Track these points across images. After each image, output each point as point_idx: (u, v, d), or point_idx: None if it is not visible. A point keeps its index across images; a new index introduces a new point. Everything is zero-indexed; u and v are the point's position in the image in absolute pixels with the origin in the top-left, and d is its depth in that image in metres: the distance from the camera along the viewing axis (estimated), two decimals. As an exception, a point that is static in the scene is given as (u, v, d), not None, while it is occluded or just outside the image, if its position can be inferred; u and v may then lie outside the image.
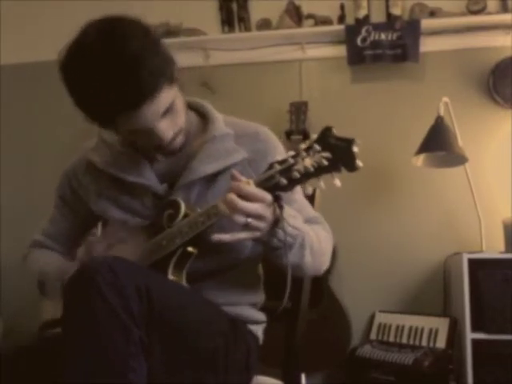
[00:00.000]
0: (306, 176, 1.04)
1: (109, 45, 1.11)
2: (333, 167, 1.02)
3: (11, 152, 3.24)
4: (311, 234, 1.24)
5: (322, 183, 1.05)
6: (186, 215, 1.23)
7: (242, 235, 1.11)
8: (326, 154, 1.02)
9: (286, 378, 1.45)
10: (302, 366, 2.22)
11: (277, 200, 1.11)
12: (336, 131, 1.04)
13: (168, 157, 1.32)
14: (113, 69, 1.10)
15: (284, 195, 1.15)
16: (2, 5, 3.27)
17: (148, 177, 1.31)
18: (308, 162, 1.03)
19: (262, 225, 1.10)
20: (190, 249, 1.23)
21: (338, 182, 1.03)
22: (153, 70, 1.12)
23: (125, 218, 1.33)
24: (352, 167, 1.01)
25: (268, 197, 1.09)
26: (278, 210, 1.12)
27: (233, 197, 1.07)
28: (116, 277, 1.02)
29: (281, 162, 1.07)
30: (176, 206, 1.24)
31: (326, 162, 1.01)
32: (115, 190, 1.34)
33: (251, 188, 1.08)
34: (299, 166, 1.04)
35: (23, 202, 3.15)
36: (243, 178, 1.11)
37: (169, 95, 1.18)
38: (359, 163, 1.01)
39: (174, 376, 1.11)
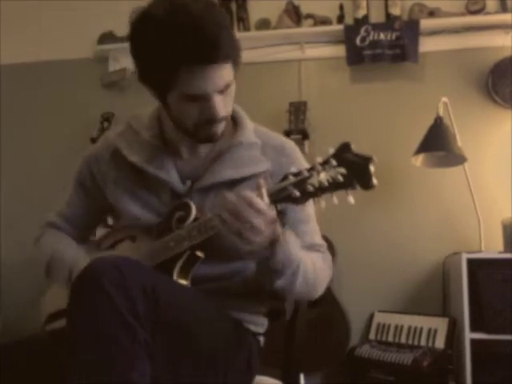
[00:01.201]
0: (320, 190, 1.03)
1: (202, 4, 1.15)
2: (348, 184, 1.00)
3: (11, 152, 3.24)
4: (308, 262, 1.23)
5: (335, 199, 1.03)
6: (196, 218, 1.22)
7: (240, 241, 1.10)
8: (342, 170, 1.00)
9: (285, 378, 1.45)
10: (301, 365, 2.23)
11: (280, 217, 1.09)
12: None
13: (193, 155, 1.32)
14: (201, 21, 1.12)
15: (299, 216, 1.13)
16: (1, 5, 3.27)
17: (169, 172, 1.30)
18: (323, 177, 1.02)
19: (258, 239, 1.09)
20: (197, 253, 1.23)
21: (351, 200, 1.02)
22: (231, 40, 1.17)
23: (139, 212, 1.32)
24: (367, 186, 1.00)
25: (272, 214, 1.08)
26: (279, 230, 1.11)
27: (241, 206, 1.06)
28: (122, 278, 1.02)
29: (295, 174, 1.06)
30: (187, 209, 1.24)
31: (341, 178, 1.00)
32: (134, 182, 1.34)
33: (258, 201, 1.07)
34: (314, 180, 1.03)
35: (23, 202, 3.15)
36: (264, 191, 1.09)
37: (231, 74, 1.20)
38: (375, 182, 0.99)
39: (176, 376, 1.12)
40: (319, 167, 1.03)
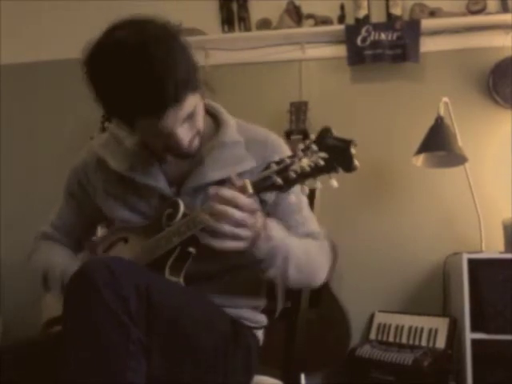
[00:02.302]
0: (303, 176, 1.03)
1: (139, 49, 1.10)
2: (329, 167, 1.01)
3: (11, 152, 3.24)
4: (300, 249, 1.23)
5: (318, 183, 1.04)
6: (185, 215, 1.22)
7: (228, 244, 1.11)
8: (323, 155, 1.01)
9: (286, 378, 1.44)
10: (301, 365, 2.23)
11: (262, 206, 1.10)
12: (335, 131, 1.04)
13: (178, 158, 1.31)
14: (141, 74, 1.09)
15: (289, 206, 1.16)
16: (1, 5, 3.27)
17: (157, 178, 1.30)
18: (305, 162, 1.02)
19: (245, 233, 1.10)
20: (188, 249, 1.22)
21: (334, 183, 1.03)
22: (179, 80, 1.11)
23: (131, 218, 1.33)
24: (349, 168, 1.01)
25: (255, 206, 1.09)
26: (261, 222, 1.12)
27: (218, 206, 1.07)
28: (115, 277, 1.02)
29: (278, 162, 1.07)
30: (175, 206, 1.24)
31: (322, 163, 1.01)
32: (123, 190, 1.34)
33: (235, 196, 1.08)
34: (296, 166, 1.03)
35: (23, 202, 3.15)
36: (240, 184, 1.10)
37: (192, 102, 1.17)
38: (356, 164, 1.00)
39: (173, 375, 1.11)
40: (301, 153, 1.03)
